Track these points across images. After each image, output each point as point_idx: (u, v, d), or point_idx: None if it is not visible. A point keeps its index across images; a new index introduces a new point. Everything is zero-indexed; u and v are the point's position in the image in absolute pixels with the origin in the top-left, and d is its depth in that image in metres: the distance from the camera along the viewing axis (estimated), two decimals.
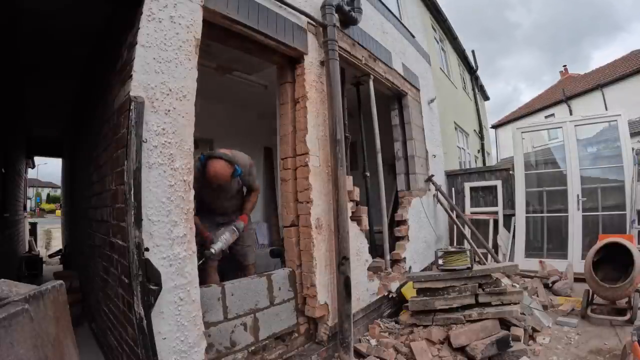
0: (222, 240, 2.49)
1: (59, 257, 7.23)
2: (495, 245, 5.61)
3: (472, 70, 11.95)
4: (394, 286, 3.71)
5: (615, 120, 5.11)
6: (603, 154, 5.37)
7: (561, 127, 5.45)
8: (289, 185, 2.89)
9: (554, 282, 4.45)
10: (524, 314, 3.20)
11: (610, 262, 3.49)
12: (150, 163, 1.75)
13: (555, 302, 3.98)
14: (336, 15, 3.11)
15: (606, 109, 13.26)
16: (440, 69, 8.35)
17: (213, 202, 2.70)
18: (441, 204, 5.37)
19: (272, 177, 6.25)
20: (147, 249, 1.67)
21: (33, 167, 9.04)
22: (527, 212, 5.52)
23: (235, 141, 5.85)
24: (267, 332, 2.43)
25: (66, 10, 2.54)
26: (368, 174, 4.28)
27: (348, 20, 3.35)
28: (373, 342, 3.01)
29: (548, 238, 5.47)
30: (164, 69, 1.84)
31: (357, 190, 3.34)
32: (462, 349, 2.70)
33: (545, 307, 3.74)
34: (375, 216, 4.23)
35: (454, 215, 5.48)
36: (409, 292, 3.51)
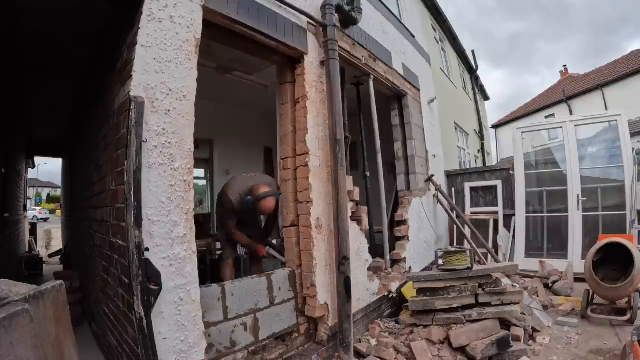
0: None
1: (59, 257, 7.22)
2: (496, 245, 5.61)
3: (472, 70, 11.96)
4: (394, 286, 3.70)
5: (615, 120, 5.11)
6: (603, 154, 5.37)
7: (561, 127, 5.45)
8: (289, 185, 2.89)
9: (554, 282, 4.45)
10: (524, 314, 3.20)
11: (610, 262, 3.49)
12: (150, 163, 1.75)
13: (555, 302, 3.98)
14: (336, 15, 3.11)
15: (606, 109, 13.26)
16: (440, 69, 8.35)
17: (248, 223, 3.29)
18: (441, 204, 5.37)
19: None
20: (147, 249, 1.67)
21: (33, 167, 9.03)
22: (527, 212, 5.52)
23: (235, 141, 5.89)
24: (267, 332, 2.43)
25: (66, 10, 2.54)
26: (368, 174, 4.28)
27: (348, 20, 3.35)
28: (373, 342, 3.01)
29: (548, 238, 5.47)
30: (164, 69, 1.84)
31: (357, 190, 3.34)
32: (462, 349, 2.70)
33: (545, 307, 3.74)
34: (375, 216, 4.23)
35: (454, 215, 5.48)
36: (409, 292, 3.51)
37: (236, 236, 3.14)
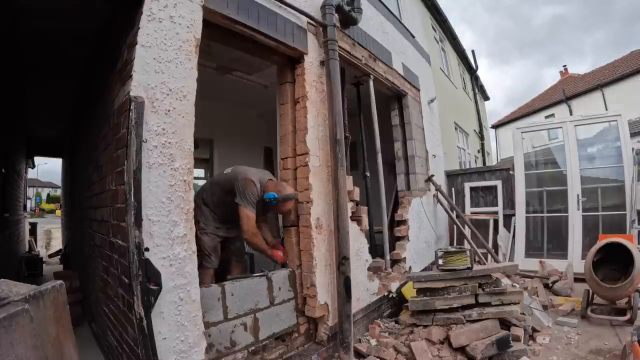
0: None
1: (59, 257, 7.22)
2: (495, 245, 5.61)
3: (472, 70, 11.96)
4: (394, 286, 3.70)
5: (615, 120, 5.11)
6: (603, 154, 5.38)
7: (561, 127, 5.46)
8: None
9: (554, 282, 4.45)
10: (524, 314, 3.20)
11: (610, 262, 3.48)
12: (150, 163, 1.75)
13: (555, 302, 3.98)
14: (336, 15, 3.11)
15: (606, 109, 13.26)
16: (440, 69, 8.35)
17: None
18: (441, 204, 5.37)
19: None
20: (147, 249, 1.67)
21: (33, 167, 9.04)
22: (527, 212, 5.52)
23: (235, 141, 5.88)
24: (267, 332, 2.43)
25: (66, 10, 2.54)
26: (368, 174, 4.28)
27: (348, 20, 3.35)
28: (373, 342, 3.01)
29: (548, 238, 5.47)
30: (164, 69, 1.84)
31: (357, 190, 3.34)
32: (462, 349, 2.70)
33: (545, 307, 3.74)
34: (375, 216, 4.23)
35: (454, 215, 5.48)
36: (409, 292, 3.51)
37: (257, 238, 2.62)
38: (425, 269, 4.54)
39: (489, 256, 5.17)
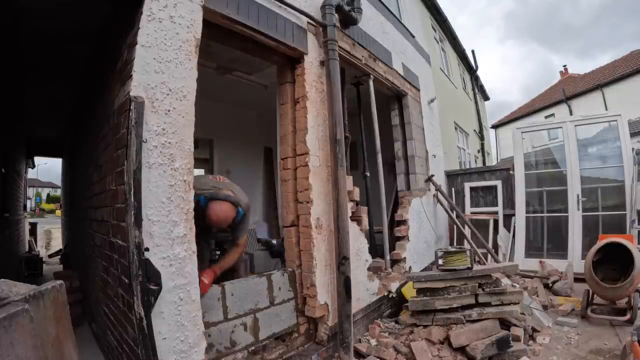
0: None
1: (59, 257, 7.22)
2: (495, 245, 5.61)
3: (472, 70, 11.97)
4: (394, 286, 3.71)
5: (615, 121, 5.11)
6: (603, 154, 5.38)
7: (561, 127, 5.46)
8: (289, 185, 2.89)
9: (554, 282, 4.45)
10: (524, 314, 3.20)
11: (610, 262, 3.49)
12: (150, 163, 1.75)
13: (555, 302, 3.98)
14: (336, 15, 3.11)
15: (606, 109, 13.26)
16: (440, 69, 8.35)
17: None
18: (441, 204, 5.38)
19: (272, 177, 6.26)
20: (147, 249, 1.67)
21: (33, 167, 9.04)
22: (527, 212, 5.52)
23: (235, 141, 5.89)
24: (267, 332, 2.43)
25: (66, 10, 2.54)
26: (368, 174, 4.28)
27: (348, 20, 3.35)
28: (373, 342, 3.01)
29: (548, 238, 5.46)
30: (164, 69, 1.84)
31: (357, 190, 3.34)
32: (462, 349, 2.70)
33: (545, 307, 3.74)
34: (375, 216, 4.23)
35: (454, 215, 5.48)
36: (409, 292, 3.51)
37: None
38: (425, 269, 4.54)
39: (489, 256, 5.17)
